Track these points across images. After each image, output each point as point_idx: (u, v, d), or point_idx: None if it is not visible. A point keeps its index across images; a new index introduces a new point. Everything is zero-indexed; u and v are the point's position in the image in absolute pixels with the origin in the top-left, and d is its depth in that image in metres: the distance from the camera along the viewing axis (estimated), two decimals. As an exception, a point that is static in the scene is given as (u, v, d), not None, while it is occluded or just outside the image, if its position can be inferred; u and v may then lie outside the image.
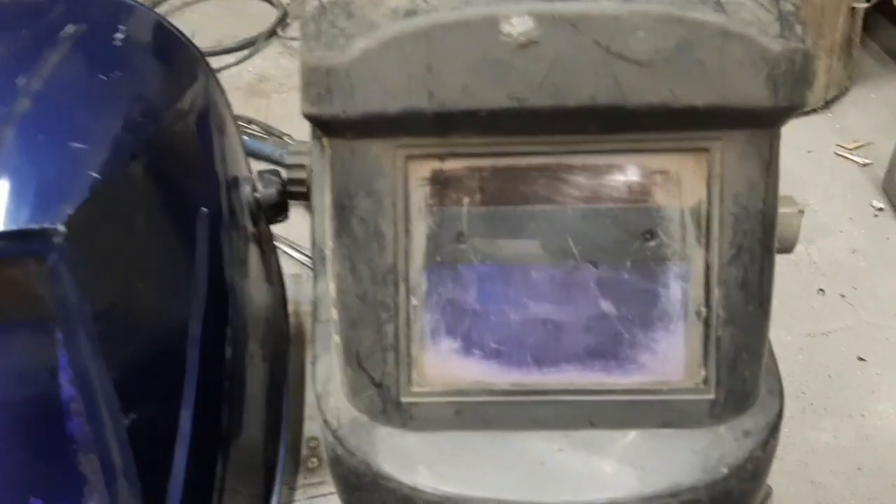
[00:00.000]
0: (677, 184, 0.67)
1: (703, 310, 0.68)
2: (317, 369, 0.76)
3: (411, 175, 0.66)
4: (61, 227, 0.61)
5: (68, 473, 0.66)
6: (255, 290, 0.94)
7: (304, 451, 1.21)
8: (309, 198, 0.89)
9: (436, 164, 0.66)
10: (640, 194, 0.68)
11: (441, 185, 0.67)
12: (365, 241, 0.67)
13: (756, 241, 0.68)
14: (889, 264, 2.05)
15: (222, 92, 0.96)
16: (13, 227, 0.61)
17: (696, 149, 0.66)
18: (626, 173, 0.67)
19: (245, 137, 1.90)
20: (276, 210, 0.98)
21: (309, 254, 1.87)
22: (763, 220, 0.67)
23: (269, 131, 2.25)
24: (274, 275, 1.13)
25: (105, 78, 0.73)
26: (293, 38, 2.77)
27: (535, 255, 0.68)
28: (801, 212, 0.75)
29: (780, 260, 0.72)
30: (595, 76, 0.62)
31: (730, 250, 0.67)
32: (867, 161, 2.37)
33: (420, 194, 0.67)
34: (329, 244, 0.69)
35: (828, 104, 2.39)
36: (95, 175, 0.65)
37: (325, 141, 0.83)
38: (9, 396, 0.66)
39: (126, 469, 0.66)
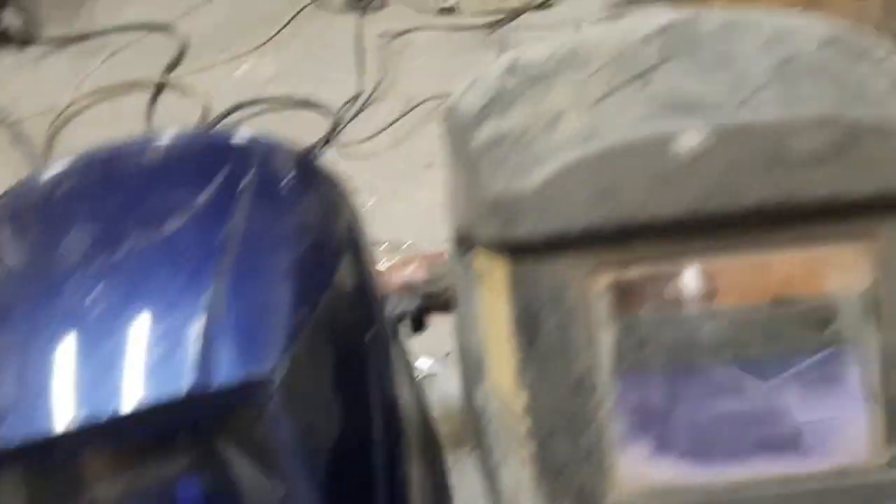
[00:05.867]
0: (848, 271, 0.70)
1: (882, 391, 0.70)
2: (502, 477, 0.78)
3: (594, 286, 0.70)
4: (278, 374, 0.64)
5: None
6: (408, 405, 0.97)
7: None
8: (447, 309, 0.94)
9: (617, 275, 0.70)
10: (812, 285, 0.71)
11: (622, 293, 0.70)
12: (553, 353, 0.70)
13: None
14: None
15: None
16: (232, 379, 0.65)
17: (865, 234, 0.69)
18: (798, 266, 0.71)
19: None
20: (417, 324, 1.02)
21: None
22: None
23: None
24: (415, 385, 1.16)
25: (287, 224, 0.78)
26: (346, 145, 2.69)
27: (716, 354, 0.71)
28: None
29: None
30: (762, 179, 0.67)
31: None
32: None
33: (603, 304, 0.70)
34: (517, 356, 0.73)
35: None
36: (300, 319, 0.70)
37: (477, 259, 0.87)
38: None
39: None
